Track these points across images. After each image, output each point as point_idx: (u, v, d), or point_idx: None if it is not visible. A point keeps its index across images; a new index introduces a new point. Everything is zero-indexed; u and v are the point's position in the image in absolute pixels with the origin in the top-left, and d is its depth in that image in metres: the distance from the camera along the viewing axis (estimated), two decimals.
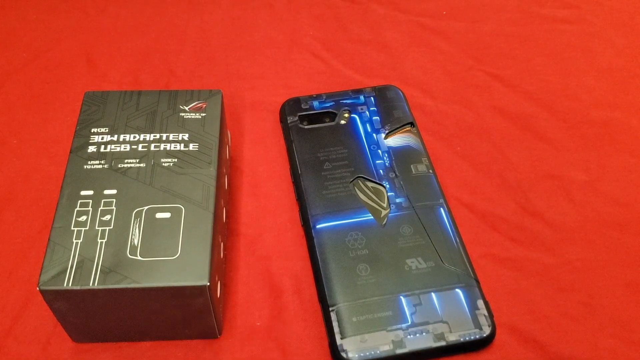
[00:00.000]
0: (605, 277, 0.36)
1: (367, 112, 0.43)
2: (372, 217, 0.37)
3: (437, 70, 0.49)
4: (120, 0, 0.55)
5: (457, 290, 0.34)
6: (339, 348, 0.32)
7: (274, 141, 0.44)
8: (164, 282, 0.28)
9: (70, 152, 0.33)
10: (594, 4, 0.55)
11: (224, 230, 0.36)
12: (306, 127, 0.42)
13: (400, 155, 0.40)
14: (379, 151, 0.41)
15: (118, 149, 0.33)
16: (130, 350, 0.33)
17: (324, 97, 0.44)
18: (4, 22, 0.52)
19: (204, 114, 0.36)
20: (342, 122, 0.43)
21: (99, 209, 0.31)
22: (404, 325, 0.32)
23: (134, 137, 0.34)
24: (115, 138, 0.34)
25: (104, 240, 0.30)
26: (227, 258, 0.37)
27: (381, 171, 0.39)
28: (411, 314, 0.33)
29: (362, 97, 0.44)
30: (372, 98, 0.44)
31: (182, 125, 0.35)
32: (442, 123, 0.45)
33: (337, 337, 0.32)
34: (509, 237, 0.38)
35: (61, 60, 0.49)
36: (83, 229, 0.30)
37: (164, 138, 0.34)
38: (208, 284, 0.29)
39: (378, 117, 0.43)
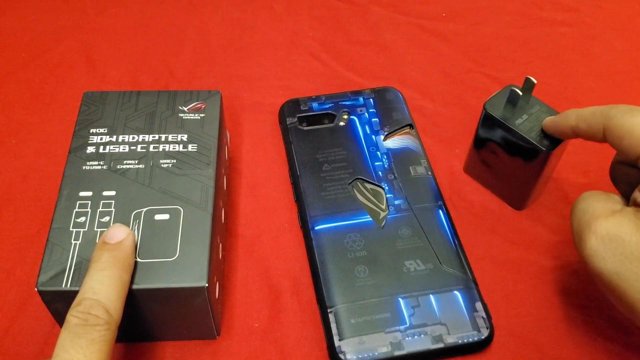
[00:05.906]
0: None
1: (366, 114, 0.43)
2: (370, 219, 0.37)
3: (437, 72, 0.49)
4: (120, 1, 0.55)
5: (456, 292, 0.34)
6: (337, 349, 0.32)
7: (273, 142, 0.43)
8: (162, 284, 0.28)
9: (69, 153, 0.33)
10: (593, 7, 0.55)
11: (222, 231, 0.36)
12: (305, 128, 0.42)
13: (399, 157, 0.40)
14: (378, 153, 0.41)
15: (117, 150, 0.33)
16: (128, 351, 0.33)
17: (323, 98, 0.44)
18: (4, 22, 0.52)
19: (202, 115, 0.36)
20: (341, 123, 0.43)
21: (98, 210, 0.31)
22: (402, 327, 0.32)
23: (133, 137, 0.34)
24: (114, 139, 0.34)
25: None
26: (225, 259, 0.37)
27: (380, 173, 0.39)
28: (409, 316, 0.33)
29: (361, 99, 0.44)
30: (371, 100, 0.44)
31: (181, 125, 0.35)
32: (441, 125, 0.45)
33: (335, 338, 0.32)
34: (508, 239, 0.38)
35: (60, 61, 0.49)
36: (82, 230, 0.30)
37: (163, 139, 0.34)
38: (206, 285, 0.29)
39: (377, 119, 0.43)
